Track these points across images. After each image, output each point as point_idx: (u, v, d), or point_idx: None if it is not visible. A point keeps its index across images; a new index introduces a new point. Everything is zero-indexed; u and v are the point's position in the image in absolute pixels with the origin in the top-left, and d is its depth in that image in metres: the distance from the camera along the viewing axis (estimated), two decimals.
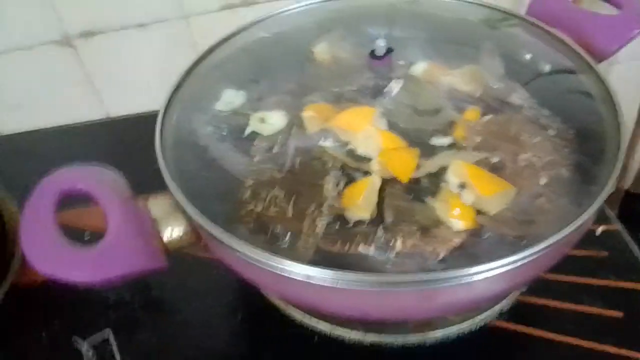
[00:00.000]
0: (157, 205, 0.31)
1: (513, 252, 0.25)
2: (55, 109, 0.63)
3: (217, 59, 0.43)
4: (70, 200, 0.30)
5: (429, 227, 0.31)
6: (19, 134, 0.61)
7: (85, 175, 0.29)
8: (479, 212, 0.32)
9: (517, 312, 0.38)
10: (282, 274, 0.27)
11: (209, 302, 0.41)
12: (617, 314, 0.37)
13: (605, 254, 0.41)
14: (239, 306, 0.40)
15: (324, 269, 0.26)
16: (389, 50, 0.36)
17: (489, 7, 0.44)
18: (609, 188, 0.29)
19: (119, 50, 0.61)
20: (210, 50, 0.42)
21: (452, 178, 0.32)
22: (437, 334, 0.37)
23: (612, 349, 0.35)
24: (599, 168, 0.32)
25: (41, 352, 0.38)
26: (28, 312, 0.41)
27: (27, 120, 0.63)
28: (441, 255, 0.29)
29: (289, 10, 0.45)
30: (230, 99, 0.41)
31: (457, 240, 0.30)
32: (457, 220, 0.30)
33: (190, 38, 0.62)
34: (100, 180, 0.29)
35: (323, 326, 0.38)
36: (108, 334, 0.38)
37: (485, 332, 0.37)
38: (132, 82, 0.64)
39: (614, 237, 0.43)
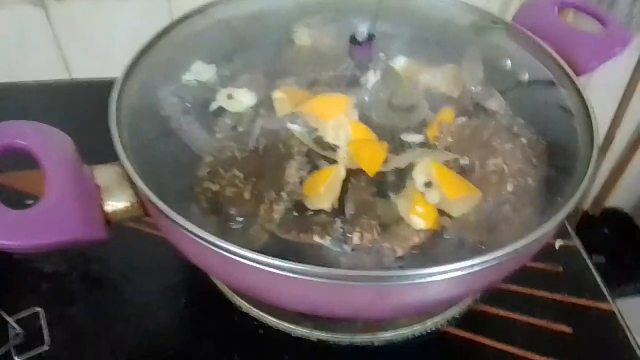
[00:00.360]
0: (104, 173, 0.29)
1: (472, 257, 0.24)
2: (15, 66, 0.60)
3: (190, 30, 0.40)
4: (11, 160, 0.27)
5: (390, 224, 0.30)
6: None
7: (29, 132, 0.27)
8: (441, 213, 0.31)
9: (469, 319, 0.37)
10: (232, 258, 0.25)
11: (151, 282, 0.38)
12: (567, 329, 0.37)
13: (560, 269, 0.41)
14: (184, 289, 0.38)
15: (273, 258, 0.24)
16: (371, 37, 0.35)
17: (476, 10, 0.43)
18: (573, 202, 0.28)
19: (92, 17, 0.59)
20: (184, 19, 0.40)
21: (419, 176, 0.31)
22: (386, 336, 0.36)
23: None
24: (566, 182, 0.31)
25: None
26: None
27: None
28: (399, 254, 0.28)
29: None
30: (200, 71, 0.39)
31: (416, 240, 0.29)
32: (419, 219, 0.29)
33: (169, 14, 0.60)
34: (45, 139, 0.27)
35: (269, 320, 0.36)
36: (38, 311, 0.36)
37: (434, 337, 0.36)
38: (100, 50, 0.61)
39: (571, 254, 0.43)
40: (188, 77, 0.39)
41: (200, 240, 0.25)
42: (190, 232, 0.25)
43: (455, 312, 0.37)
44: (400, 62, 0.40)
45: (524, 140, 0.36)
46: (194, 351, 0.35)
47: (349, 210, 0.29)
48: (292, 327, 0.36)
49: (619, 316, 0.38)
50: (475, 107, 0.38)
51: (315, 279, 0.24)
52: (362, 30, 0.35)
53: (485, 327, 0.37)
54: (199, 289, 0.38)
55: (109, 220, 0.28)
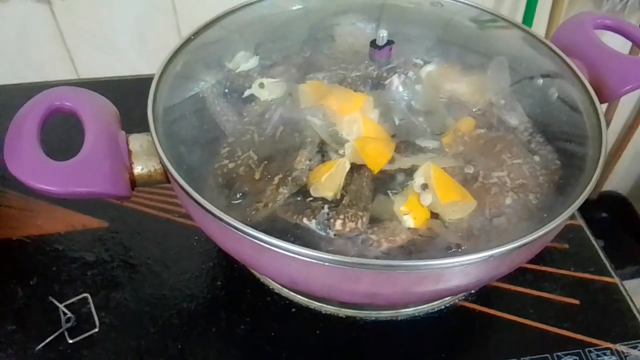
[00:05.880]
0: (137, 140, 0.33)
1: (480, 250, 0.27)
2: (23, 66, 0.60)
3: (237, 22, 0.44)
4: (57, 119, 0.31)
5: (383, 219, 0.32)
6: None
7: (75, 96, 0.31)
8: (435, 216, 0.32)
9: (483, 294, 0.40)
10: (222, 224, 0.28)
11: (188, 267, 0.42)
12: (574, 301, 0.40)
13: (566, 246, 0.44)
14: (219, 273, 0.41)
15: (251, 228, 0.27)
16: (389, 42, 0.37)
17: (517, 26, 0.43)
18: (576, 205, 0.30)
19: (97, 12, 0.59)
20: (230, 13, 0.43)
21: (418, 177, 0.32)
22: (409, 311, 0.39)
23: (568, 333, 0.38)
24: (564, 201, 0.32)
25: (16, 309, 0.38)
26: (2, 265, 0.41)
27: None
28: (383, 247, 0.30)
29: None
30: (242, 60, 0.43)
31: (403, 237, 0.30)
32: (408, 217, 0.31)
33: (171, 4, 0.60)
34: (88, 102, 0.31)
35: (299, 299, 0.39)
36: (86, 296, 0.39)
37: (452, 311, 0.39)
38: (106, 45, 0.61)
39: (575, 232, 0.45)
40: (231, 65, 0.42)
41: (199, 206, 0.28)
42: (192, 197, 0.29)
43: None
44: (428, 68, 0.41)
45: (536, 158, 0.36)
46: (233, 329, 0.38)
47: (345, 200, 0.32)
48: (321, 304, 0.39)
49: (621, 288, 0.41)
50: (496, 119, 0.39)
51: (290, 254, 0.26)
52: (382, 34, 0.37)
53: (498, 301, 0.40)
54: (233, 273, 0.41)
55: (134, 181, 0.32)
